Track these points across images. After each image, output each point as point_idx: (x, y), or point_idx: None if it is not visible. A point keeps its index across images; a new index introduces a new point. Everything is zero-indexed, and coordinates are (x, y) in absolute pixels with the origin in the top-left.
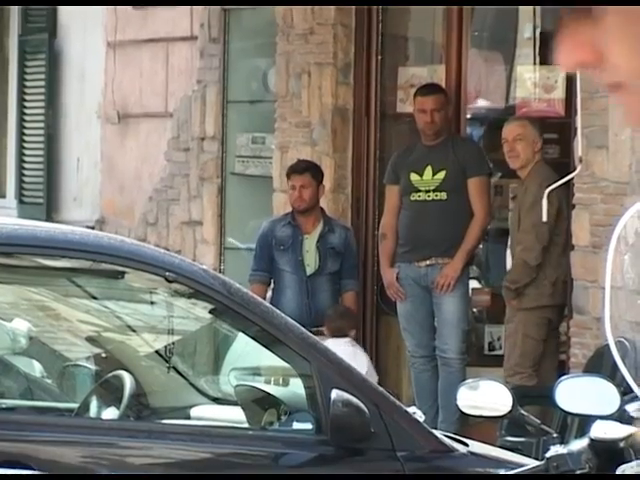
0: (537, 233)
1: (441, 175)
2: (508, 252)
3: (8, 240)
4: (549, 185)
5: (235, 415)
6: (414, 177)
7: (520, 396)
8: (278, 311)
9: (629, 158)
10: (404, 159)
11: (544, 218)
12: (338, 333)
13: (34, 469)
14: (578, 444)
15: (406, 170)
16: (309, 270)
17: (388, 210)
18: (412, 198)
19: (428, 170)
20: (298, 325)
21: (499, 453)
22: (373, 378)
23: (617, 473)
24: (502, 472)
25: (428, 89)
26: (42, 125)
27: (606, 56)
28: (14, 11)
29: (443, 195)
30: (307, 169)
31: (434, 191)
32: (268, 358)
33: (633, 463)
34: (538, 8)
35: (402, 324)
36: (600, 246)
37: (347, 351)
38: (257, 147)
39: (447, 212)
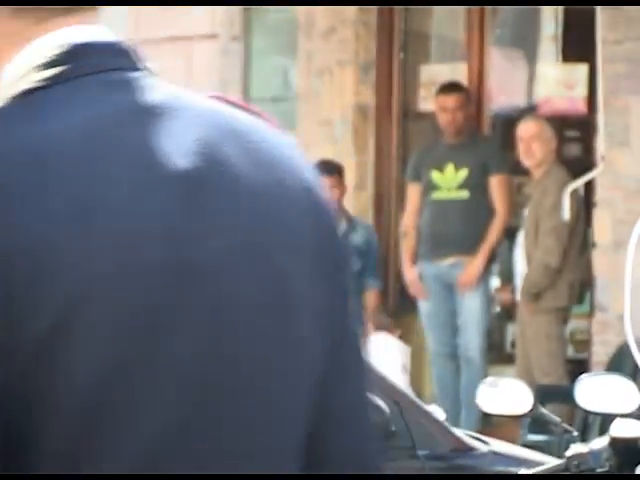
0: (558, 236)
1: (463, 173)
2: (518, 251)
3: None
4: (568, 185)
5: None
6: (436, 175)
7: (542, 394)
8: None
9: None
10: (426, 157)
11: (565, 217)
12: (382, 328)
13: None
14: (598, 443)
15: (428, 168)
16: None
17: (409, 208)
18: (434, 196)
19: (450, 168)
20: None
21: (520, 452)
22: (406, 374)
23: (638, 470)
24: (523, 471)
25: (449, 88)
26: None
27: None
28: None
29: (465, 193)
30: (335, 170)
31: (456, 189)
32: None
33: None
34: (561, 5)
35: (424, 322)
36: (622, 244)
37: (386, 346)
38: None
39: (469, 210)
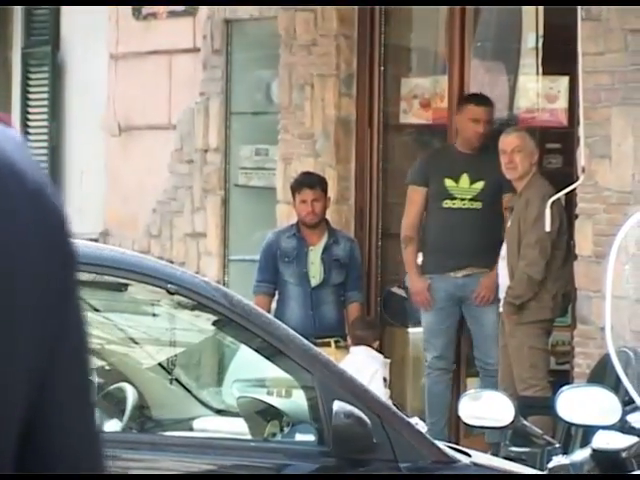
0: (541, 248)
1: (479, 185)
2: (501, 264)
3: None
4: (551, 197)
5: (238, 427)
6: (449, 183)
7: (524, 407)
8: (280, 323)
9: (632, 168)
10: (437, 163)
11: (547, 229)
12: (361, 342)
13: None
14: (580, 454)
15: (440, 175)
16: (314, 282)
17: (413, 212)
18: (445, 204)
19: (464, 178)
20: (300, 337)
21: (502, 463)
22: (386, 387)
23: None
24: None
25: (482, 99)
26: (46, 137)
27: None
28: (17, 24)
29: (478, 205)
30: (318, 183)
31: (470, 200)
32: (270, 370)
33: (635, 473)
34: (541, 18)
35: (425, 335)
36: (603, 256)
37: (366, 359)
38: (260, 159)
39: (482, 222)
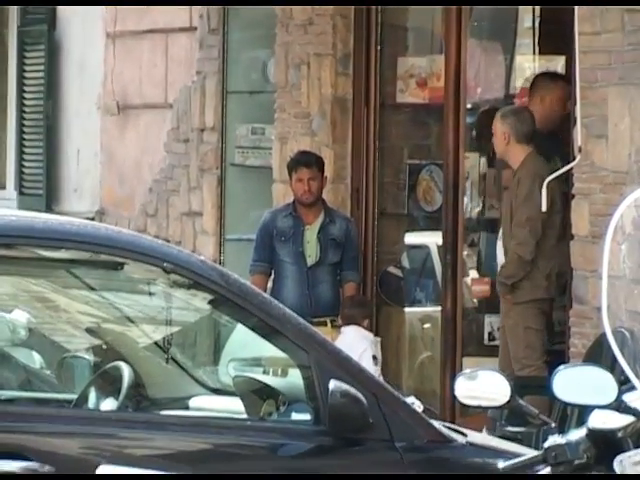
0: (531, 227)
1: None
2: (499, 244)
3: (6, 231)
4: (543, 176)
5: (234, 406)
6: None
7: (520, 387)
8: (276, 302)
9: (628, 148)
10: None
11: (544, 208)
12: (350, 321)
13: (32, 460)
14: (576, 434)
15: None
16: (310, 261)
17: None
18: None
19: None
20: (296, 316)
21: (497, 443)
22: (377, 365)
23: (615, 462)
24: (500, 462)
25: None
26: (42, 116)
27: None
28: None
29: None
30: (315, 162)
31: None
32: (266, 349)
33: (631, 452)
34: None
35: None
36: (599, 236)
37: (356, 338)
38: (257, 138)
39: None
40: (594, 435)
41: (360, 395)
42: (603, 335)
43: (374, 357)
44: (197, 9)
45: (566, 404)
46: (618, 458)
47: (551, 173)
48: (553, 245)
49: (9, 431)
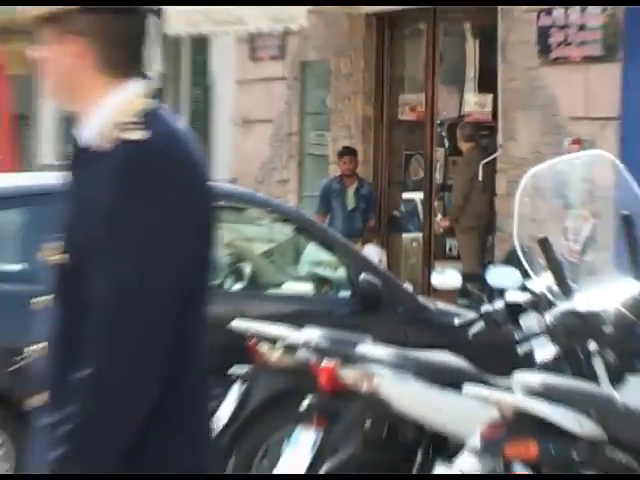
0: (462, 187)
1: None
2: (453, 198)
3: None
4: (478, 160)
5: (307, 288)
6: None
7: (467, 277)
8: (332, 229)
9: (527, 146)
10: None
11: (480, 178)
12: (369, 240)
13: None
14: (499, 304)
15: None
16: (349, 207)
17: None
18: None
19: None
20: (343, 237)
21: (455, 309)
22: (382, 264)
23: (514, 379)
24: (456, 319)
25: None
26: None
27: None
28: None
29: None
30: (352, 152)
31: None
32: (326, 256)
33: (526, 374)
34: (478, 56)
35: None
36: (512, 195)
37: (373, 250)
38: (320, 139)
39: None
40: (508, 305)
41: (377, 281)
42: (514, 248)
43: (380, 261)
44: (288, 65)
45: (494, 287)
46: (516, 377)
47: (484, 158)
48: (478, 196)
49: None
